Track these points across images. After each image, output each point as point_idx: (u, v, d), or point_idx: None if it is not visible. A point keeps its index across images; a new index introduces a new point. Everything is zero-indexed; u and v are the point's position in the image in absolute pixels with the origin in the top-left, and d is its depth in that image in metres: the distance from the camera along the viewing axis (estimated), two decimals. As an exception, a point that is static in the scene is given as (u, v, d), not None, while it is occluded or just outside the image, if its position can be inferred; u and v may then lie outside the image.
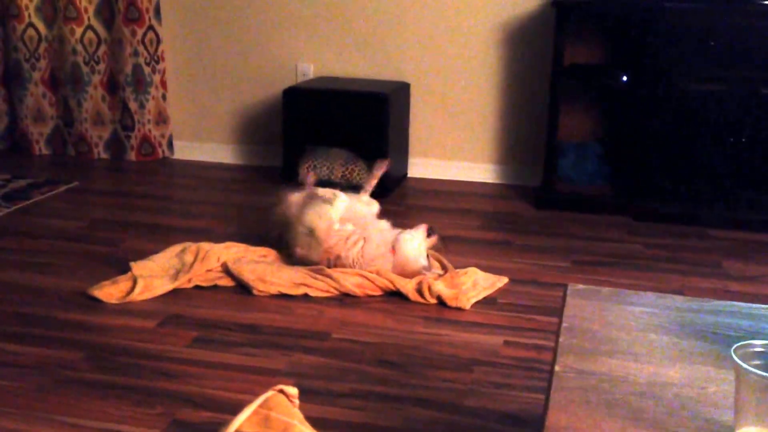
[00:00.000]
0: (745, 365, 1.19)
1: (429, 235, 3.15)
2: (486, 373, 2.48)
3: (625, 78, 3.91)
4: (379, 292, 3.02)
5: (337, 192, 3.31)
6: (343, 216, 3.23)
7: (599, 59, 4.15)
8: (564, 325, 1.58)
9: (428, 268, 3.10)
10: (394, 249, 3.11)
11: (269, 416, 1.32)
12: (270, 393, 1.36)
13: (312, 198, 3.30)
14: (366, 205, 3.37)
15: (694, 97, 3.78)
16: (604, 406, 1.30)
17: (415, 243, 3.11)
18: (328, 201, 3.24)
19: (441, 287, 2.97)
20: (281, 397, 1.37)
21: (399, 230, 3.20)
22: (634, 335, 1.56)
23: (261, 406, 1.33)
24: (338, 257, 3.14)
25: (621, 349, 1.50)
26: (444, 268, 3.19)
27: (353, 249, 3.13)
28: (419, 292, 2.98)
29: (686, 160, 3.85)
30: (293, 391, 1.39)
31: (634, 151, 3.98)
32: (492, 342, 2.68)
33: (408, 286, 3.00)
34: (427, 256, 3.13)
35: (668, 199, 3.91)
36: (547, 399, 1.34)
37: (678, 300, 1.73)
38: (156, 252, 3.24)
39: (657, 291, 2.73)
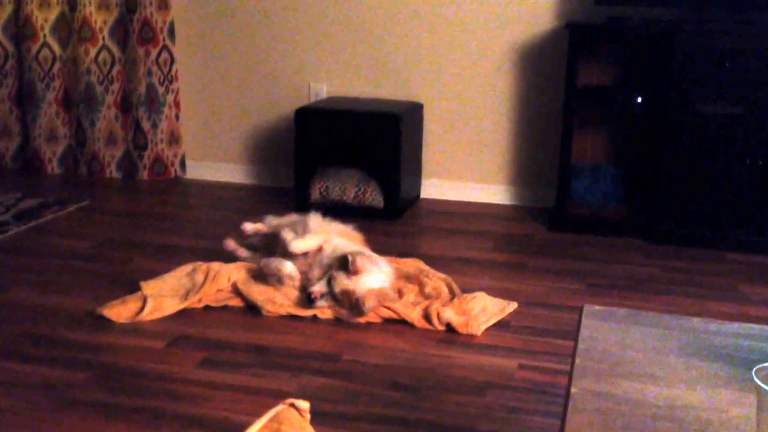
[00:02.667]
0: (767, 388, 1.16)
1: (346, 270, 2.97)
2: (499, 396, 2.44)
3: (639, 99, 3.88)
4: (378, 320, 2.97)
5: (281, 263, 3.14)
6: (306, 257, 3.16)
7: (613, 80, 4.12)
8: (580, 346, 1.55)
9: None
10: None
11: (280, 430, 1.30)
12: (281, 407, 1.34)
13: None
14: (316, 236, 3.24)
15: (710, 118, 3.73)
16: (621, 430, 1.26)
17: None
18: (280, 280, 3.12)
19: (450, 314, 2.91)
20: (292, 411, 1.35)
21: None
22: (653, 357, 1.52)
23: (272, 419, 1.31)
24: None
25: (639, 372, 1.46)
26: (452, 293, 3.13)
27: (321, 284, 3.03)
28: (427, 318, 2.93)
29: (703, 182, 3.79)
30: (305, 405, 1.37)
31: (650, 174, 3.94)
32: (506, 365, 2.64)
33: (413, 315, 2.95)
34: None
35: (685, 221, 3.86)
36: (563, 422, 1.31)
37: (696, 322, 1.70)
38: (166, 272, 3.22)
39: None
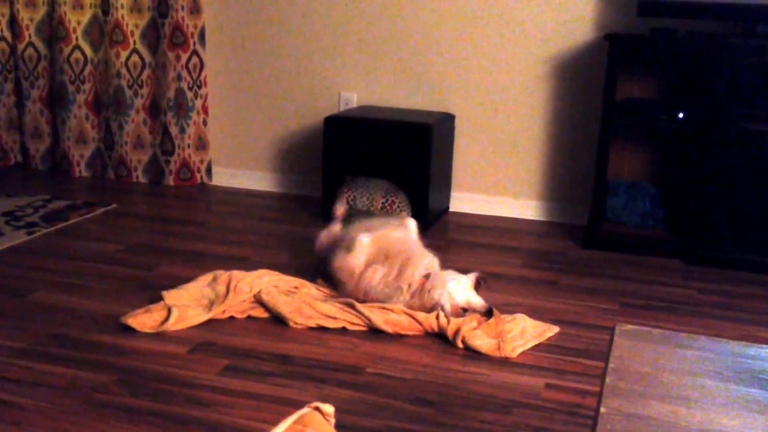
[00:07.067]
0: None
1: (477, 286, 3.03)
2: (525, 415, 2.38)
3: (681, 115, 3.79)
4: (411, 332, 2.91)
5: (359, 236, 3.19)
6: (375, 252, 3.13)
7: (654, 95, 4.04)
8: (611, 365, 1.50)
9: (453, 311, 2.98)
10: (425, 278, 3.02)
11: None
12: (305, 410, 1.33)
13: (336, 244, 3.26)
14: (397, 229, 3.29)
15: (755, 137, 3.63)
16: (655, 455, 1.21)
17: (459, 285, 3.01)
18: (350, 248, 3.15)
19: (478, 342, 2.79)
20: (317, 414, 1.34)
21: (434, 265, 3.12)
22: (687, 379, 1.47)
23: (296, 422, 1.29)
24: (366, 293, 3.07)
25: (672, 393, 1.41)
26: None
27: (372, 283, 3.06)
28: (449, 335, 2.86)
29: (746, 203, 3.68)
30: (329, 409, 1.36)
31: (691, 193, 3.85)
32: (533, 384, 2.58)
33: (428, 321, 2.91)
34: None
35: (726, 244, 3.74)
36: (594, 444, 1.26)
37: (734, 345, 1.64)
38: (190, 278, 3.20)
39: (708, 335, 2.61)
